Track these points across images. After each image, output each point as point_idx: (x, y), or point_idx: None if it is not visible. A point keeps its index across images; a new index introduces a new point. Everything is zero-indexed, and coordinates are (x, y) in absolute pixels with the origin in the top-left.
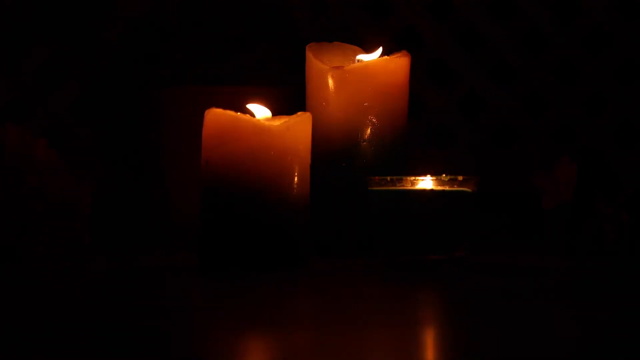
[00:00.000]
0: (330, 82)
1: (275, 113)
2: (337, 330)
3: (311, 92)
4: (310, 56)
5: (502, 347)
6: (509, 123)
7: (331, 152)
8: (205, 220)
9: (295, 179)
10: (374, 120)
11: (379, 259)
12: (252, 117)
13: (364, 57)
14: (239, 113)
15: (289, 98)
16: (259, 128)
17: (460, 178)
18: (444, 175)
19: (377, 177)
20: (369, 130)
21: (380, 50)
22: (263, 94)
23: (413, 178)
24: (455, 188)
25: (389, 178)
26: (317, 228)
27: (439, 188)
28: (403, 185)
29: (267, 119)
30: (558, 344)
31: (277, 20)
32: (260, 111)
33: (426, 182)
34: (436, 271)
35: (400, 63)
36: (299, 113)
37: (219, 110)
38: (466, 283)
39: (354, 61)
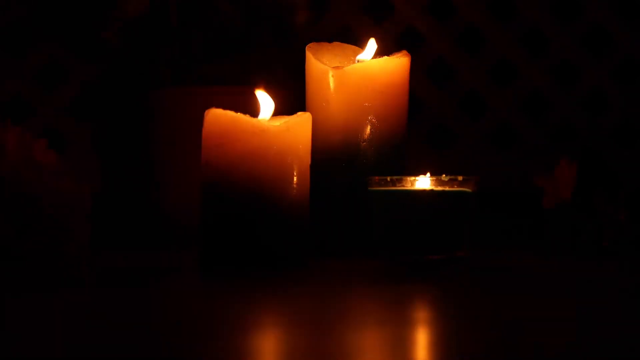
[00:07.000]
0: (330, 82)
1: (276, 113)
2: (336, 330)
3: (311, 92)
4: (310, 56)
5: (502, 347)
6: (509, 123)
7: (331, 152)
8: (205, 220)
9: (295, 179)
10: (374, 120)
11: (379, 259)
12: (252, 118)
13: (364, 57)
14: (239, 113)
15: (289, 98)
16: (259, 128)
17: (460, 178)
18: (444, 175)
19: (377, 177)
20: (369, 131)
21: (372, 43)
22: None
23: (413, 178)
24: (455, 188)
25: (389, 178)
26: (317, 228)
27: (439, 188)
28: (403, 186)
29: (267, 119)
30: (558, 344)
31: (277, 21)
32: (265, 101)
33: (426, 182)
34: (436, 271)
35: (400, 63)
36: (299, 113)
37: (219, 111)
38: (466, 283)
39: (354, 61)
